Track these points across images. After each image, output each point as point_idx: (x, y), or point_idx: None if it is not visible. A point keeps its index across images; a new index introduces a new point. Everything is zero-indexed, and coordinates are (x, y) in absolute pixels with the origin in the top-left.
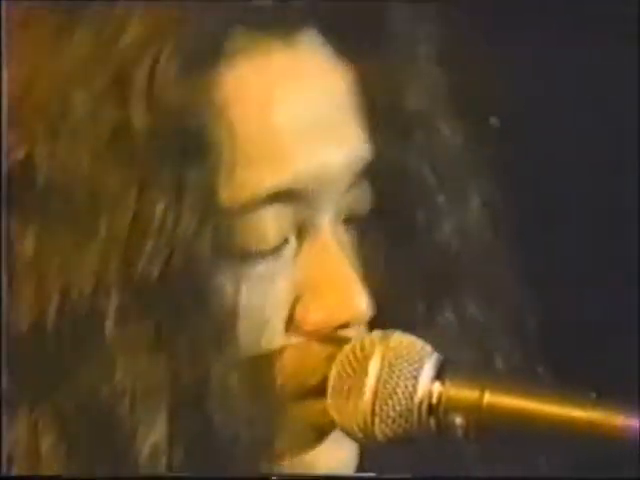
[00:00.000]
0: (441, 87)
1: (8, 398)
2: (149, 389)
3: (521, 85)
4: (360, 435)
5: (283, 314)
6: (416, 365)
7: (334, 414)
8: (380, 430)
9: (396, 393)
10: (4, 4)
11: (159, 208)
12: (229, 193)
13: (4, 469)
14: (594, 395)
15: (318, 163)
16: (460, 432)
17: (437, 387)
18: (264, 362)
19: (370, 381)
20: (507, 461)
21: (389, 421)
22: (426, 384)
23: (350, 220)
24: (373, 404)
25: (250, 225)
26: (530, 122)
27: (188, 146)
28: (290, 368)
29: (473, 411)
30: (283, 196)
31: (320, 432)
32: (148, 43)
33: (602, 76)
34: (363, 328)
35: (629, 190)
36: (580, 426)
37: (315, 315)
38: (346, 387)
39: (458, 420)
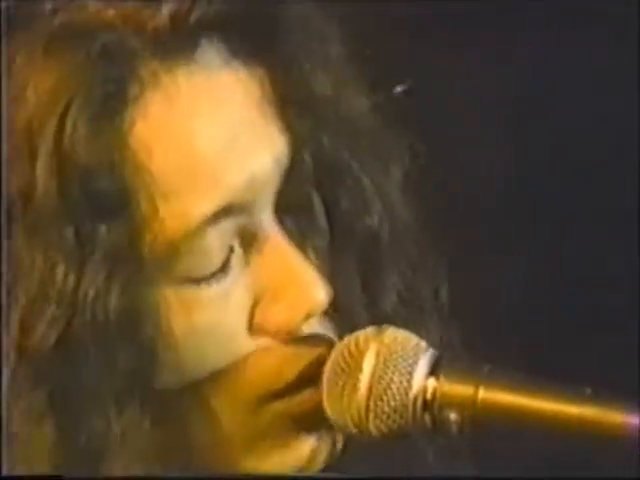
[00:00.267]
0: (348, 69)
1: None
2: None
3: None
4: (355, 431)
5: (244, 321)
6: (411, 361)
7: (328, 410)
8: (375, 426)
9: (391, 389)
10: (4, 4)
11: (60, 271)
12: (169, 226)
13: (4, 469)
14: (589, 391)
15: (248, 174)
16: (455, 428)
17: (432, 383)
18: (234, 371)
19: (364, 377)
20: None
21: (384, 417)
22: (421, 380)
23: (284, 213)
24: (368, 400)
25: (197, 250)
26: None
27: (99, 205)
28: (259, 372)
29: (468, 407)
30: (222, 214)
31: (300, 429)
32: (53, 101)
33: (602, 76)
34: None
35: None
36: (575, 422)
37: (277, 315)
38: (340, 383)
39: (453, 416)
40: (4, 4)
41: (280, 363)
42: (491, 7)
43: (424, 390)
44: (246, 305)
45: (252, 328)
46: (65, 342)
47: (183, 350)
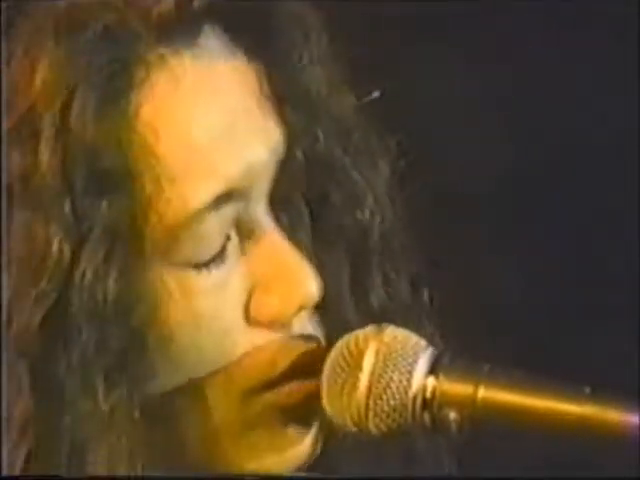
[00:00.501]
0: (338, 67)
1: None
2: None
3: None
4: (354, 429)
5: (240, 312)
6: (410, 359)
7: (328, 408)
8: (374, 425)
9: (390, 388)
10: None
11: (55, 245)
12: (171, 210)
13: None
14: (588, 390)
15: (245, 162)
16: (454, 427)
17: (431, 382)
18: (229, 361)
19: (364, 376)
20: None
21: (383, 415)
22: (420, 379)
23: (278, 205)
24: (367, 399)
25: (196, 235)
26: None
27: (101, 182)
28: (253, 362)
29: (467, 406)
30: (221, 200)
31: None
32: (59, 82)
33: (602, 76)
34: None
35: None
36: (575, 421)
37: (270, 307)
38: (340, 382)
39: (452, 415)
40: (4, 4)
41: (273, 354)
42: (491, 7)
43: (424, 389)
44: (242, 295)
45: (247, 319)
46: (56, 318)
47: (179, 338)
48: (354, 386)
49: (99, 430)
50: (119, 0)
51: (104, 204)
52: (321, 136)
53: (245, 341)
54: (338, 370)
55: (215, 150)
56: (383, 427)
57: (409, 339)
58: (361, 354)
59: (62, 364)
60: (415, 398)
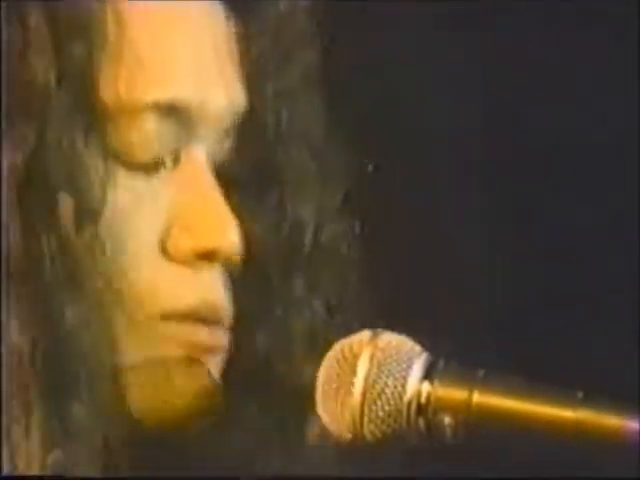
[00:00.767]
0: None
1: None
2: None
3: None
4: (349, 435)
5: (156, 238)
6: (405, 365)
7: (322, 415)
8: (369, 430)
9: (385, 393)
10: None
11: (40, 71)
12: (114, 93)
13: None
14: (581, 395)
15: (203, 98)
16: (449, 432)
17: (426, 387)
18: (135, 282)
19: (358, 381)
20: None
21: (378, 421)
22: (415, 384)
23: (219, 176)
24: (362, 404)
25: (132, 130)
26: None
27: (75, 23)
28: (160, 292)
29: (462, 411)
30: (164, 109)
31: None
32: None
33: (602, 76)
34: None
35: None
36: (571, 426)
37: (184, 242)
38: (334, 387)
39: (447, 420)
40: (4, 4)
41: (177, 285)
42: (491, 7)
43: (418, 394)
44: (160, 223)
45: (162, 249)
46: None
47: (105, 229)
48: (348, 392)
49: None
50: None
51: (76, 47)
52: (284, 113)
53: (154, 267)
54: (332, 376)
55: (182, 67)
56: (378, 433)
57: (404, 344)
58: (355, 359)
59: None
60: (410, 403)
